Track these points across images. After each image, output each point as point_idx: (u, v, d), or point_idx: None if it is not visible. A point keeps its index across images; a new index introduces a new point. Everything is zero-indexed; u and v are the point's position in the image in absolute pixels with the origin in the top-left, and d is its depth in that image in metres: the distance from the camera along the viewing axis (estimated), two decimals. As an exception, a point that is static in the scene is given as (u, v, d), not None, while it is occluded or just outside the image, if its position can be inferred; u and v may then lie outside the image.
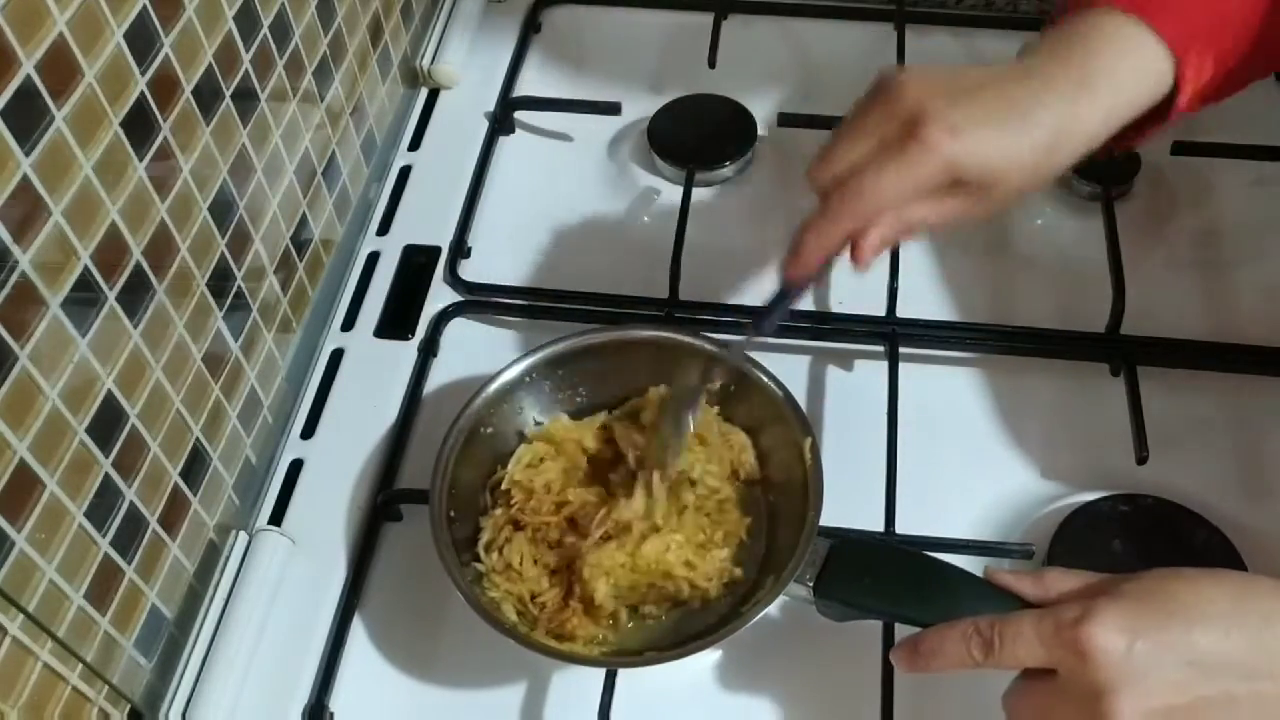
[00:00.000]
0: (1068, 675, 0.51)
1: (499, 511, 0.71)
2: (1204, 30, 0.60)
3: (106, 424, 0.59)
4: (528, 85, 1.00)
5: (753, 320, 0.65)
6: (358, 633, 0.71)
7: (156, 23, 0.60)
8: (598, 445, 0.73)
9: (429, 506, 0.67)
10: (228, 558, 0.72)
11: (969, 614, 0.56)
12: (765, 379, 0.71)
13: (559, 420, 0.74)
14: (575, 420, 0.75)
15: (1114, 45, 0.59)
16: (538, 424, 0.75)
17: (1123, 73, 0.59)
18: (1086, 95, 0.58)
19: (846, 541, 0.63)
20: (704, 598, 0.68)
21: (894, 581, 0.60)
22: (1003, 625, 0.53)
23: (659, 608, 0.68)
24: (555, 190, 0.93)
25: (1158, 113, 0.61)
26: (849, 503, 0.68)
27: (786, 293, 0.63)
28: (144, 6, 0.58)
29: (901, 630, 0.63)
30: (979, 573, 0.59)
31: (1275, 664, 0.49)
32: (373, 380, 0.82)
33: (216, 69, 0.66)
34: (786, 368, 0.73)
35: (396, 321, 0.85)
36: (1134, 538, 0.70)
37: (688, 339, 0.74)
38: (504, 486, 0.71)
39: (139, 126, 0.59)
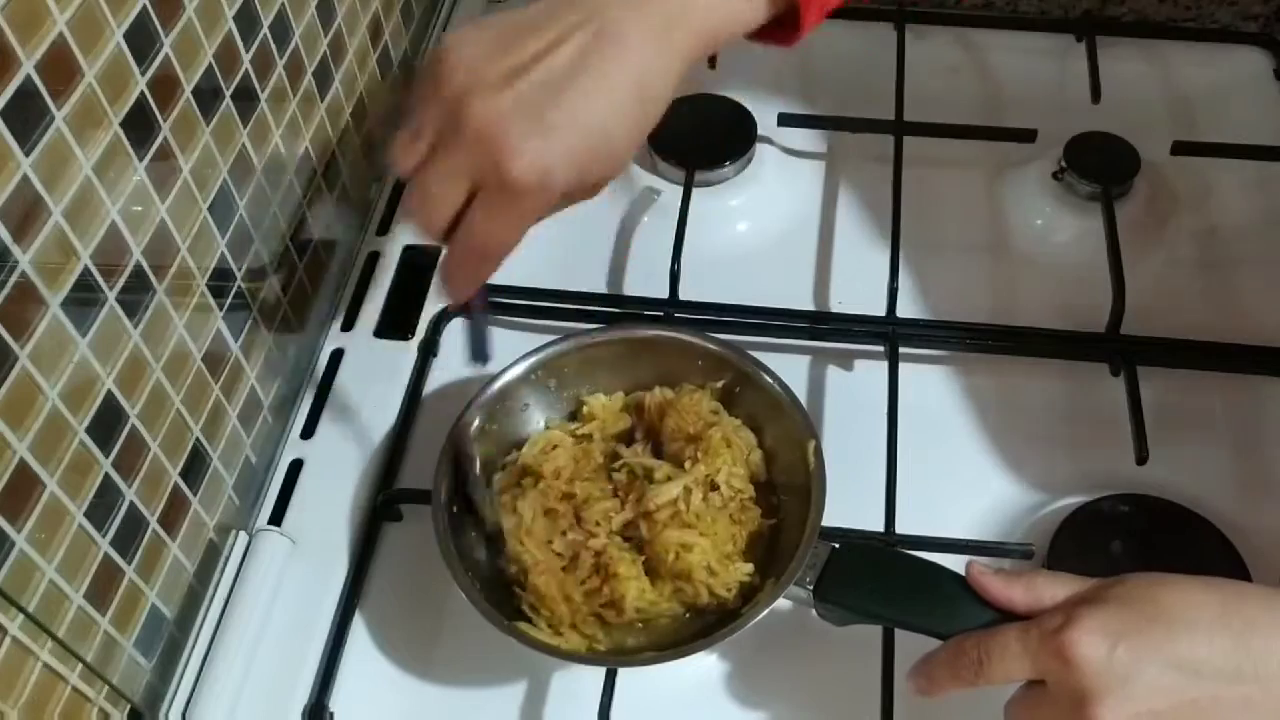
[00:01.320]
0: (1054, 683, 0.51)
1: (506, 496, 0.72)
2: None
3: (106, 424, 0.59)
4: (528, 85, 0.99)
5: (469, 351, 0.65)
6: (358, 633, 0.71)
7: (156, 23, 0.60)
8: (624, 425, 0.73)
9: (431, 500, 0.67)
10: (228, 558, 0.72)
11: (969, 621, 0.56)
12: (769, 379, 0.71)
13: (597, 398, 0.74)
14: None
15: None
16: (543, 423, 0.75)
17: (719, 9, 0.54)
18: (667, 45, 0.52)
19: (848, 545, 0.63)
20: (721, 605, 0.67)
21: (894, 587, 0.60)
22: (989, 642, 0.53)
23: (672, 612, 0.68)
24: (555, 190, 0.93)
25: (775, 32, 0.56)
26: (849, 503, 0.68)
27: (469, 317, 0.66)
28: (144, 6, 0.58)
29: (901, 635, 0.63)
30: (979, 572, 0.59)
31: (1260, 668, 0.49)
32: (373, 380, 0.82)
33: (216, 69, 0.66)
34: (786, 368, 0.73)
35: (396, 321, 0.85)
36: (1134, 538, 0.70)
37: (693, 339, 0.74)
38: (519, 463, 0.72)
39: (139, 126, 0.59)
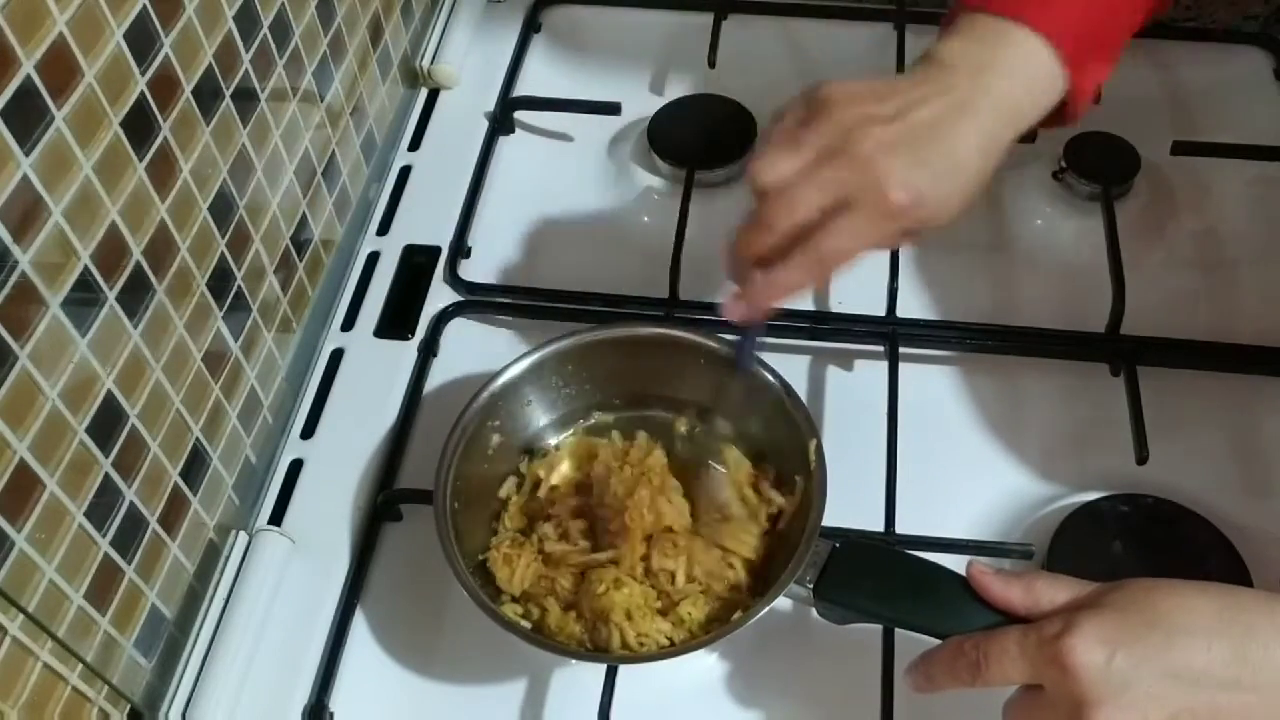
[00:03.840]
0: (1052, 689, 0.51)
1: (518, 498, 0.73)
2: (1093, 36, 0.63)
3: (106, 424, 0.59)
4: (528, 85, 1.00)
5: (736, 360, 0.70)
6: (358, 632, 0.71)
7: (156, 23, 0.60)
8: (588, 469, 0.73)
9: (434, 497, 0.67)
10: (228, 558, 0.72)
11: (969, 621, 0.56)
12: (770, 379, 0.71)
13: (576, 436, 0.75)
14: (585, 419, 0.76)
15: (1018, 62, 0.61)
16: (544, 423, 0.75)
17: (1027, 90, 0.62)
18: (1004, 122, 0.62)
19: (848, 544, 0.63)
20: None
21: (895, 586, 0.60)
22: (988, 644, 0.53)
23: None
24: (555, 190, 0.93)
25: (1054, 114, 0.64)
26: (849, 502, 0.68)
27: (747, 330, 0.69)
28: (144, 6, 0.58)
29: (901, 634, 0.63)
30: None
31: (1259, 676, 0.49)
32: (373, 380, 0.82)
33: (216, 69, 0.66)
34: (787, 368, 0.73)
35: (396, 321, 0.85)
36: (1134, 538, 0.70)
37: (697, 338, 0.74)
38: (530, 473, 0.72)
39: (139, 126, 0.59)
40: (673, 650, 0.64)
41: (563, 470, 0.73)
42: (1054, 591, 0.54)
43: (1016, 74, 0.61)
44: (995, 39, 0.62)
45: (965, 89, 0.61)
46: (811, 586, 0.62)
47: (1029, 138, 0.87)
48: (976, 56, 0.62)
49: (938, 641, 0.57)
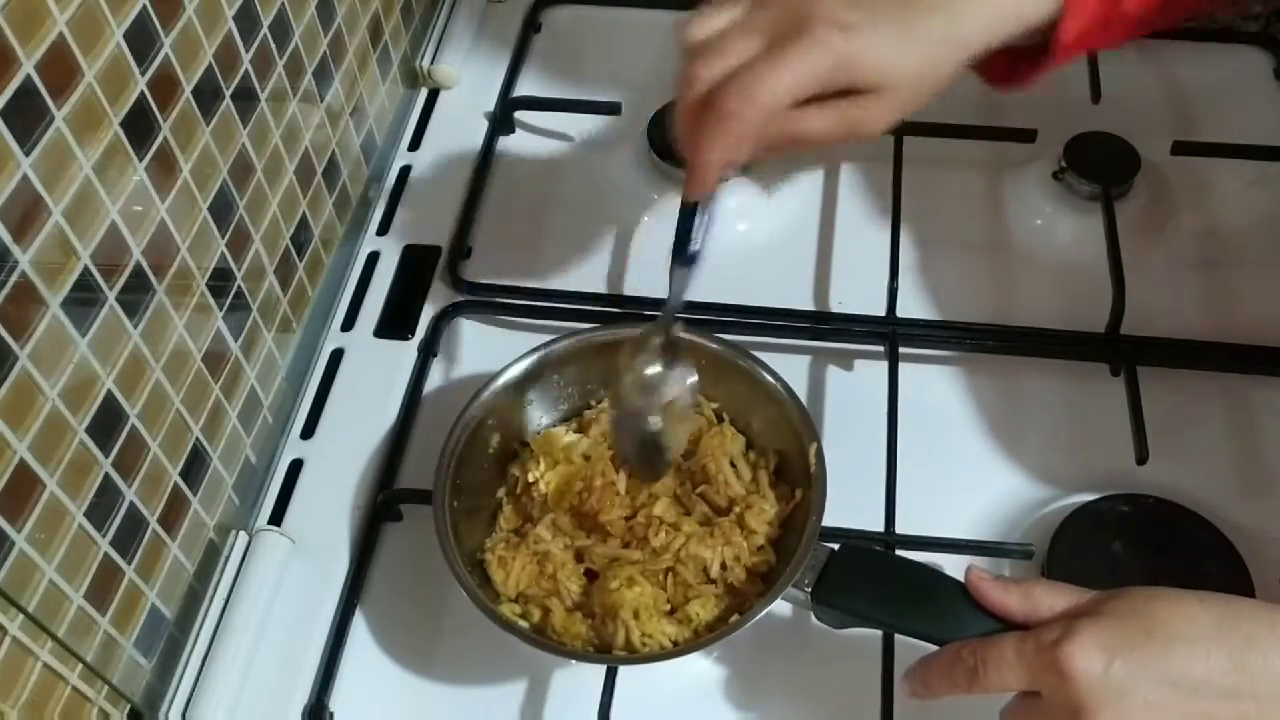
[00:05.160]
0: (1049, 696, 0.51)
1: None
2: None
3: (106, 424, 0.59)
4: (528, 85, 1.00)
5: (674, 253, 0.64)
6: (358, 632, 0.71)
7: (156, 23, 0.60)
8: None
9: (433, 497, 0.67)
10: (228, 558, 0.72)
11: (967, 627, 0.56)
12: (771, 380, 0.71)
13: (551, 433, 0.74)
14: (579, 419, 0.75)
15: None
16: (544, 423, 0.75)
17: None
18: (975, 15, 0.58)
19: (847, 548, 0.63)
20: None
21: (893, 591, 0.60)
22: (985, 650, 0.53)
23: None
24: (555, 190, 0.93)
25: (1040, 50, 0.60)
26: (849, 502, 0.68)
27: (692, 213, 0.62)
28: (144, 6, 0.58)
29: (901, 638, 0.63)
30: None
31: (1257, 685, 0.49)
32: (373, 380, 0.82)
33: (216, 69, 0.66)
34: (787, 368, 0.73)
35: (396, 321, 0.85)
36: (1134, 538, 0.70)
37: (693, 339, 0.74)
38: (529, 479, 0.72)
39: (139, 126, 0.59)
40: (673, 651, 0.64)
41: (540, 469, 0.72)
42: (1052, 598, 0.54)
43: None
44: None
45: None
46: (810, 590, 0.61)
47: (1029, 137, 0.87)
48: None
49: (936, 646, 0.57)
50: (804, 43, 0.55)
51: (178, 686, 0.68)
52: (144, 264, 0.61)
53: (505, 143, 0.96)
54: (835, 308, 0.84)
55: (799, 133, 0.58)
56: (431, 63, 0.99)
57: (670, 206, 0.87)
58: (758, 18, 0.57)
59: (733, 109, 0.56)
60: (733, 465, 0.71)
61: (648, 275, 0.84)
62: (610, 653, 0.66)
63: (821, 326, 0.82)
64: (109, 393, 0.59)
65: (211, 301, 0.68)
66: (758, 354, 0.73)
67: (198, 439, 0.69)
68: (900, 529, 0.70)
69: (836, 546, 0.63)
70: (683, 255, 0.63)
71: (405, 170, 0.94)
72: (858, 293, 0.83)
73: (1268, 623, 0.50)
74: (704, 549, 0.67)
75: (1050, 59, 0.61)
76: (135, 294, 0.61)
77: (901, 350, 0.79)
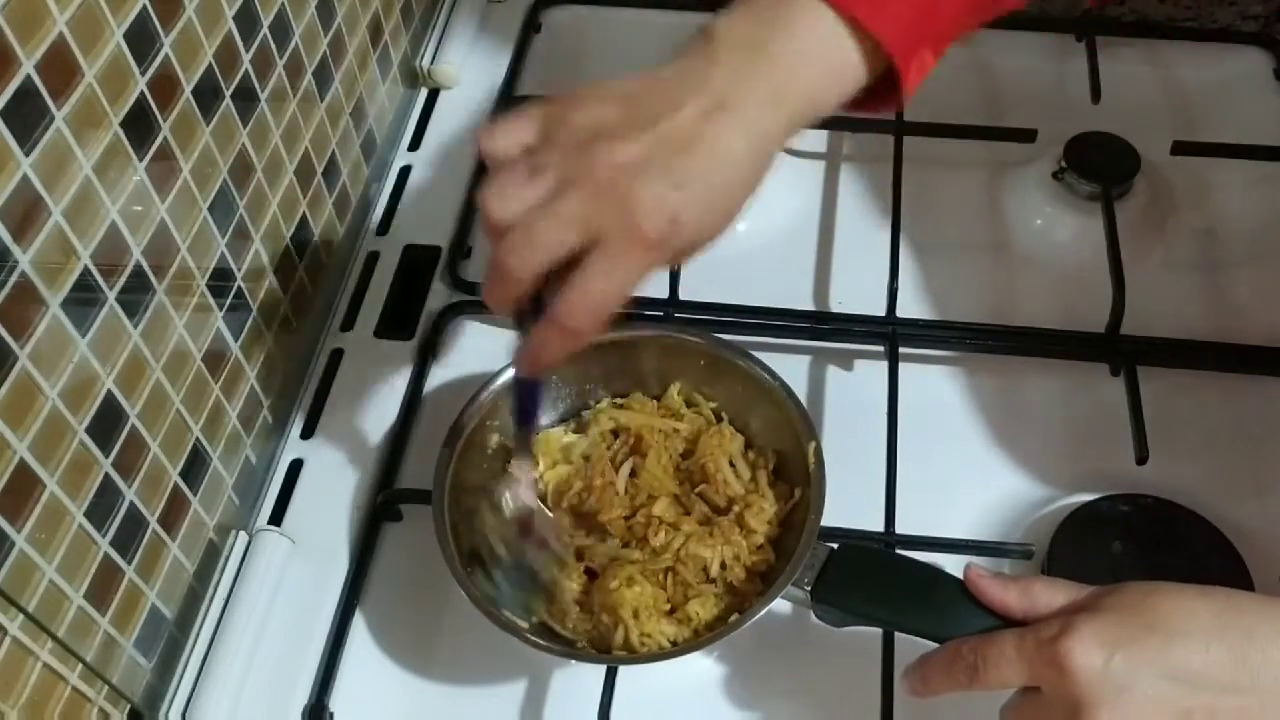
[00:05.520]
0: (1050, 691, 0.51)
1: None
2: (919, 25, 0.56)
3: (106, 424, 0.59)
4: (528, 85, 1.00)
5: (518, 423, 0.64)
6: (358, 633, 0.71)
7: (156, 23, 0.60)
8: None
9: (433, 497, 0.67)
10: (228, 558, 0.72)
11: (966, 625, 0.56)
12: (771, 380, 0.71)
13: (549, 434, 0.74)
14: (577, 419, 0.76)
15: (812, 47, 0.53)
16: (545, 423, 0.75)
17: (819, 79, 0.54)
18: (780, 113, 0.53)
19: (846, 547, 0.63)
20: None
21: (892, 590, 0.60)
22: (985, 647, 0.53)
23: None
24: (555, 190, 0.93)
25: (871, 98, 0.56)
26: (849, 503, 0.68)
27: (531, 386, 0.62)
28: (144, 6, 0.58)
29: (902, 636, 0.63)
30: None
31: (1257, 679, 0.49)
32: (373, 380, 0.82)
33: (216, 69, 0.66)
34: (787, 368, 0.73)
35: (396, 321, 0.85)
36: (1134, 538, 0.70)
37: (693, 339, 0.74)
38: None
39: (139, 126, 0.59)
40: (672, 651, 0.64)
41: (539, 469, 0.72)
42: (1051, 595, 0.54)
43: (799, 53, 0.53)
44: (774, 13, 0.53)
45: (725, 81, 0.52)
46: (809, 589, 0.61)
47: (1029, 137, 0.87)
48: (749, 35, 0.53)
49: (936, 644, 0.57)
50: (635, 250, 0.51)
51: (178, 686, 0.68)
52: (144, 264, 0.61)
53: (505, 143, 0.96)
54: (835, 308, 0.84)
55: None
56: (431, 63, 0.99)
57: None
58: (567, 206, 0.51)
59: (572, 326, 0.53)
60: (732, 465, 0.71)
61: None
62: (610, 652, 0.66)
63: (821, 326, 0.82)
64: (109, 393, 0.59)
65: (211, 301, 0.68)
66: (757, 354, 0.73)
67: (198, 439, 0.69)
68: (900, 529, 0.70)
69: (836, 545, 0.63)
70: (529, 424, 0.64)
71: (405, 170, 0.94)
72: (857, 293, 0.83)
73: (1268, 617, 0.50)
74: (703, 548, 0.67)
75: (895, 102, 0.57)
76: (135, 294, 0.61)
77: (901, 350, 0.79)
